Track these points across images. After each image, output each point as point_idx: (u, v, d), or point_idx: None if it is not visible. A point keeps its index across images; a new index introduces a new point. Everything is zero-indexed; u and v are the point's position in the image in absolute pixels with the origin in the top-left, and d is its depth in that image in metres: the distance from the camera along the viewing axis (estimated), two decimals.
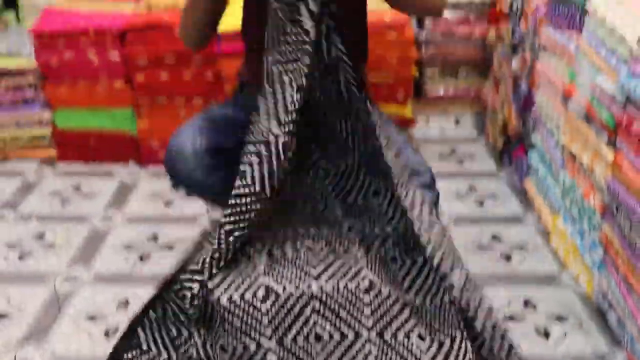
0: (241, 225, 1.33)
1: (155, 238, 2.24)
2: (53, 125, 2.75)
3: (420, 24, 3.09)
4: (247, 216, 1.32)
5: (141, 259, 2.11)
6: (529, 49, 2.39)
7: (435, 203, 1.56)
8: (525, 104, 2.45)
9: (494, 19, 2.88)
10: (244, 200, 1.30)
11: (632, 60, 1.62)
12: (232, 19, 2.53)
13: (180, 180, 1.54)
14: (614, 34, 1.73)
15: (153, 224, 2.32)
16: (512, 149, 2.67)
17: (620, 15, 1.74)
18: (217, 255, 1.35)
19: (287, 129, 1.27)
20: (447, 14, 3.04)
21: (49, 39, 2.59)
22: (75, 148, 2.77)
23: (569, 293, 1.94)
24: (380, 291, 1.37)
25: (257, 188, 1.29)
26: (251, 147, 1.33)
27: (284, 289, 1.36)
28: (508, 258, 2.11)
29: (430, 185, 1.57)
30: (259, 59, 1.71)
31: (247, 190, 1.30)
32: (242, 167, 1.30)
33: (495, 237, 2.23)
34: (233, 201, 1.31)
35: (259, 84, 1.75)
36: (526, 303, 1.89)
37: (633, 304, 1.63)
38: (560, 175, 2.10)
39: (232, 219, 1.32)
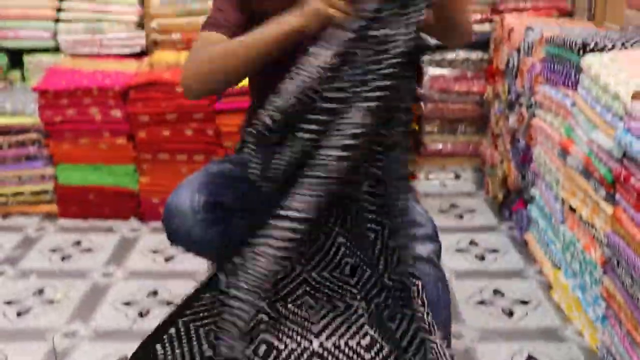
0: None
1: (155, 293, 2.23)
2: (55, 181, 2.77)
3: (419, 81, 3.14)
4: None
5: (141, 315, 2.09)
6: (526, 105, 2.43)
7: (437, 255, 1.56)
8: (524, 159, 2.48)
9: (490, 76, 2.94)
10: None
11: (627, 117, 1.65)
12: None
13: (179, 237, 1.54)
14: (608, 90, 1.76)
15: (153, 280, 2.31)
16: (511, 202, 2.68)
17: (613, 73, 1.78)
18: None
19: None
20: (445, 71, 3.10)
21: (53, 96, 2.63)
22: (77, 204, 2.78)
23: (572, 347, 1.92)
24: (381, 348, 1.37)
25: None
26: None
27: (285, 345, 1.36)
28: (510, 313, 2.10)
29: (432, 237, 1.58)
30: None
31: None
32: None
33: (497, 292, 2.22)
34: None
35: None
36: (530, 358, 1.87)
37: (637, 358, 1.61)
38: (561, 229, 2.10)
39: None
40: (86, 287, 2.27)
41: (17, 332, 2.02)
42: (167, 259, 2.46)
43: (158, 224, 2.70)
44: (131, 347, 1.92)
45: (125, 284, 2.28)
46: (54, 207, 2.81)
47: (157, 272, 2.38)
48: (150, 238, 2.63)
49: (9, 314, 2.11)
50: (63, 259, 2.47)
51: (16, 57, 3.09)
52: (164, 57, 2.82)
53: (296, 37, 1.33)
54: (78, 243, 2.60)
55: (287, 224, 1.24)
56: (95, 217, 2.80)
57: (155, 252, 2.52)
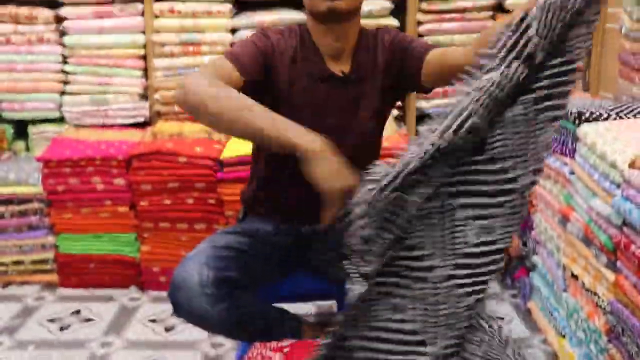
0: None
1: None
2: (56, 250, 2.77)
3: None
4: None
5: None
6: None
7: None
8: (525, 226, 2.48)
9: None
10: None
11: (625, 184, 1.66)
12: (233, 146, 2.63)
13: (184, 310, 1.53)
14: (605, 159, 1.78)
15: (153, 350, 2.28)
16: (513, 270, 2.67)
17: (609, 142, 1.81)
18: None
19: None
20: None
21: (56, 166, 2.66)
22: (77, 273, 2.77)
23: None
24: None
25: None
26: None
27: None
28: None
29: None
30: (268, 183, 1.74)
31: None
32: None
33: None
34: None
35: (262, 212, 1.77)
36: None
37: None
38: (563, 296, 2.09)
39: None
40: (84, 357, 2.24)
41: None
42: (168, 329, 2.43)
43: (158, 293, 2.70)
44: None
45: (125, 354, 2.25)
46: (54, 277, 2.79)
47: (156, 342, 2.35)
48: (151, 307, 2.60)
49: None
50: (61, 329, 2.45)
51: (21, 128, 3.14)
52: (166, 127, 2.87)
53: (289, 154, 1.31)
54: (77, 312, 2.57)
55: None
56: (96, 286, 2.78)
57: (155, 321, 2.49)
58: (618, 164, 1.71)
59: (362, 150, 1.59)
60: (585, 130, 1.93)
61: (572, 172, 2.04)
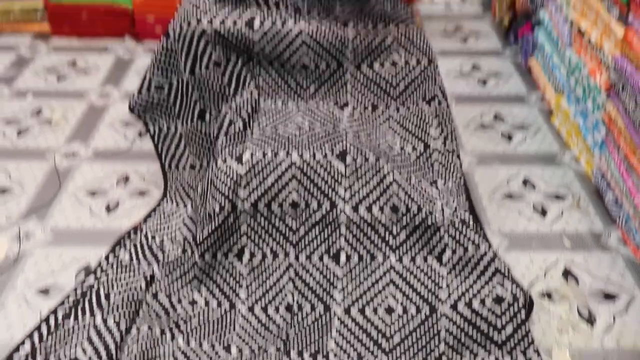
0: None
1: None
2: None
3: None
4: None
5: (140, 135, 2.09)
6: None
7: None
8: None
9: None
10: None
11: None
12: None
13: None
14: None
15: None
16: (518, 26, 2.60)
17: None
18: None
19: None
20: None
21: None
22: (69, 22, 2.69)
23: (568, 173, 1.94)
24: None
25: None
26: None
27: (264, 154, 1.40)
28: (509, 137, 2.10)
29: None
30: None
31: None
32: None
33: (497, 117, 2.20)
34: None
35: None
36: (525, 182, 1.90)
37: (632, 183, 1.63)
38: (567, 53, 2.05)
39: None
40: (84, 107, 2.25)
41: (17, 152, 2.03)
42: None
43: (153, 43, 2.64)
44: (132, 167, 1.95)
45: (123, 105, 2.26)
46: (45, 26, 2.72)
47: None
48: (146, 58, 2.57)
49: (8, 134, 2.11)
50: (59, 79, 2.43)
51: None
52: None
53: None
54: (73, 63, 2.54)
55: None
56: (89, 35, 2.72)
57: None
58: None
59: None
60: None
61: None
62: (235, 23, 1.50)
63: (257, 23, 1.51)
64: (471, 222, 1.47)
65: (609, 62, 1.77)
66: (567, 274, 1.59)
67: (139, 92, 1.69)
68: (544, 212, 1.79)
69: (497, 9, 2.84)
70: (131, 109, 1.72)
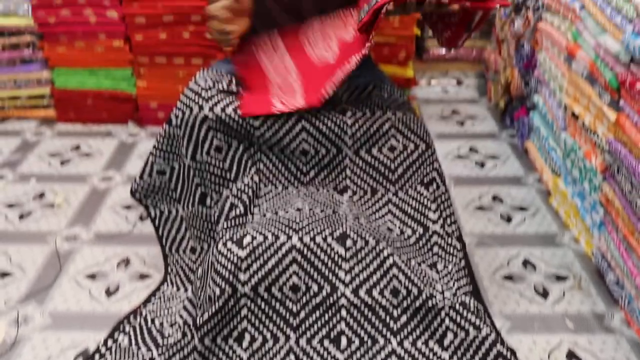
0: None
1: None
2: (52, 85, 2.73)
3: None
4: None
5: (141, 218, 2.11)
6: (533, 8, 2.36)
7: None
8: (528, 65, 2.43)
9: None
10: None
11: (637, 19, 1.60)
12: None
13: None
14: None
15: None
16: (514, 110, 2.66)
17: None
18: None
19: None
20: None
21: None
22: (74, 108, 2.76)
23: (568, 253, 1.95)
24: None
25: None
26: None
27: (265, 238, 1.41)
28: (508, 219, 2.11)
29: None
30: (262, 18, 1.72)
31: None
32: None
33: (495, 198, 2.23)
34: None
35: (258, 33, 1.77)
36: (525, 263, 1.90)
37: (632, 264, 1.63)
38: (562, 136, 2.09)
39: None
40: (86, 191, 2.28)
41: (19, 235, 2.04)
42: None
43: (156, 128, 2.70)
44: (132, 251, 1.95)
45: (125, 188, 2.28)
46: (51, 112, 2.78)
47: None
48: (149, 142, 2.61)
49: (10, 217, 2.12)
50: (62, 163, 2.47)
51: None
52: None
53: None
54: (77, 147, 2.59)
55: None
56: (93, 121, 2.78)
57: None
58: None
59: None
60: None
61: (582, 7, 1.96)
62: (236, 110, 1.54)
63: None
64: (472, 305, 1.46)
65: (603, 144, 1.80)
66: (571, 356, 1.57)
67: (141, 176, 1.72)
68: (545, 294, 1.78)
69: (492, 93, 2.91)
70: (133, 194, 1.75)
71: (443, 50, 3.13)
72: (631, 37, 1.60)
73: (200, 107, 1.55)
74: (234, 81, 1.62)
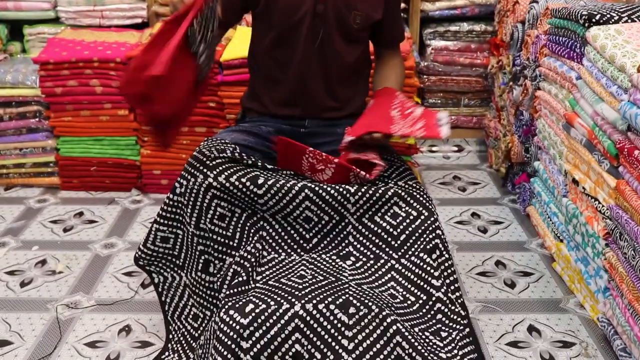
0: None
1: None
2: (56, 153, 2.76)
3: (422, 52, 3.12)
4: None
5: (143, 285, 2.10)
6: (530, 77, 2.41)
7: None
8: (527, 132, 2.46)
9: (494, 48, 2.91)
10: None
11: (633, 89, 1.63)
12: (234, 49, 2.57)
13: None
14: (614, 62, 1.74)
15: None
16: (515, 175, 2.67)
17: (619, 45, 1.76)
18: None
19: None
20: (449, 43, 3.08)
21: (54, 68, 2.61)
22: (79, 176, 2.78)
23: (574, 319, 1.93)
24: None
25: None
26: None
27: (268, 305, 1.41)
28: (512, 284, 2.10)
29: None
30: (263, 84, 1.78)
31: None
32: None
33: (499, 264, 2.22)
34: None
35: (261, 110, 1.82)
36: (531, 329, 1.88)
37: (639, 329, 1.62)
38: (563, 201, 2.10)
39: None
40: (88, 258, 2.28)
41: (20, 302, 2.03)
42: None
43: (159, 195, 2.71)
44: (135, 317, 1.94)
45: (127, 255, 2.28)
46: (55, 179, 2.80)
47: None
48: (152, 209, 2.63)
49: (11, 285, 2.12)
50: (65, 230, 2.48)
51: (16, 29, 3.07)
52: None
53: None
54: (80, 214, 2.60)
55: None
56: (97, 189, 2.80)
57: None
58: (627, 68, 1.67)
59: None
60: (595, 32, 1.88)
61: (578, 77, 2.00)
62: (239, 179, 1.56)
63: (261, 180, 1.57)
64: None
65: (604, 210, 1.81)
66: None
67: (145, 244, 1.72)
68: None
69: (493, 159, 2.94)
70: (137, 261, 1.75)
71: None
72: (627, 106, 1.63)
73: (205, 176, 1.57)
74: (237, 149, 1.65)
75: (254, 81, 1.85)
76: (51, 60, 2.60)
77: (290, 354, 1.42)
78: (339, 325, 1.44)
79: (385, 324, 1.44)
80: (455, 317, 1.55)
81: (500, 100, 2.82)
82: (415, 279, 1.56)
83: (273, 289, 1.48)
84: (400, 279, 1.57)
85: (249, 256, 1.57)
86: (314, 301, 1.44)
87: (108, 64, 2.61)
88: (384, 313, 1.45)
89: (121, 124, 2.69)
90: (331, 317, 1.44)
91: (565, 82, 2.10)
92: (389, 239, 1.59)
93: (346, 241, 1.61)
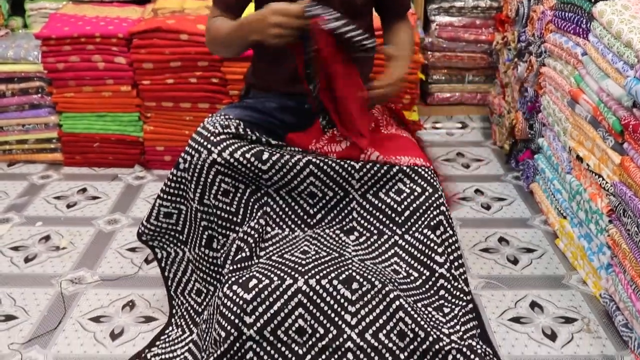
0: None
1: None
2: (59, 129, 2.76)
3: (427, 29, 3.09)
4: None
5: (147, 261, 2.10)
6: (535, 53, 2.39)
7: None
8: (532, 108, 2.45)
9: (500, 24, 2.88)
10: None
11: (639, 64, 1.62)
12: None
13: None
14: (621, 38, 1.73)
15: None
16: (518, 152, 2.67)
17: (626, 20, 1.74)
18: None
19: None
20: (453, 19, 3.05)
21: (56, 43, 2.60)
22: (81, 152, 2.78)
23: (576, 295, 1.93)
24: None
25: None
26: None
27: (271, 281, 1.41)
28: (515, 261, 2.10)
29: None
30: (268, 63, 1.76)
31: None
32: None
33: (502, 240, 2.22)
34: None
35: (265, 87, 1.81)
36: (533, 305, 1.89)
37: None
38: (567, 178, 2.09)
39: None
40: (92, 234, 2.28)
41: (24, 277, 2.04)
42: None
43: (162, 171, 2.71)
44: (138, 293, 1.95)
45: (131, 231, 2.29)
46: (58, 156, 2.80)
47: None
48: (155, 185, 2.63)
49: (16, 260, 2.12)
50: (68, 206, 2.48)
51: (17, 4, 3.05)
52: (167, 3, 2.78)
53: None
54: (83, 190, 2.60)
55: None
56: (100, 165, 2.80)
57: None
58: (633, 44, 1.66)
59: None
60: (602, 8, 1.86)
61: (584, 53, 1.99)
62: (244, 154, 1.55)
63: (266, 155, 1.56)
64: (479, 348, 1.45)
65: (608, 187, 1.80)
66: None
67: (148, 219, 1.72)
68: (553, 336, 1.76)
69: (497, 136, 2.93)
70: (139, 236, 1.75)
71: (447, 95, 3.16)
72: (633, 82, 1.62)
73: (209, 152, 1.56)
74: (242, 125, 1.64)
75: (258, 59, 1.84)
76: (53, 36, 2.59)
77: (294, 329, 1.43)
78: (342, 300, 1.44)
79: (388, 299, 1.44)
80: (458, 293, 1.55)
81: (505, 77, 2.80)
82: (419, 255, 1.56)
83: (276, 265, 1.48)
84: (403, 254, 1.57)
85: (252, 232, 1.57)
86: (317, 277, 1.44)
87: (110, 40, 2.59)
88: (387, 288, 1.45)
89: (124, 100, 2.68)
90: (334, 293, 1.44)
91: (571, 58, 2.08)
92: (393, 215, 1.59)
93: (350, 216, 1.61)
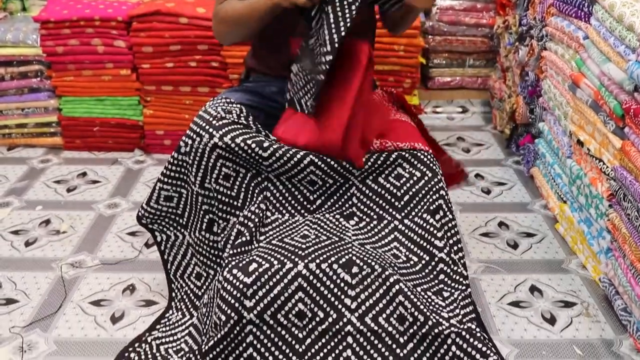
0: None
1: None
2: (59, 113, 2.75)
3: (427, 13, 3.07)
4: None
5: (147, 245, 2.11)
6: (537, 37, 2.38)
7: None
8: (533, 92, 2.44)
9: (501, 7, 2.87)
10: None
11: None
12: None
13: None
14: (623, 21, 1.72)
15: None
16: (519, 137, 2.66)
17: (629, 3, 1.73)
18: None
19: None
20: (454, 2, 3.03)
21: (55, 27, 2.58)
22: (81, 136, 2.77)
23: (575, 279, 1.94)
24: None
25: None
26: None
27: (271, 265, 1.40)
28: (515, 245, 2.11)
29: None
30: (267, 47, 1.75)
31: None
32: None
33: (502, 224, 2.22)
34: None
35: (266, 71, 1.81)
36: (532, 289, 1.89)
37: None
38: (567, 162, 2.09)
39: None
40: (92, 218, 2.28)
41: (25, 261, 2.04)
42: None
43: (162, 155, 2.71)
44: (138, 277, 1.95)
45: (131, 215, 2.29)
46: (58, 140, 2.80)
47: None
48: (155, 170, 2.63)
49: (16, 244, 2.13)
50: (68, 190, 2.48)
51: None
52: None
53: (277, 9, 1.56)
54: (83, 174, 2.60)
55: None
56: (100, 149, 2.79)
57: None
58: (635, 27, 1.65)
59: None
60: None
61: (586, 37, 1.98)
62: (245, 140, 1.55)
63: (267, 143, 1.56)
64: (478, 333, 1.45)
65: (608, 171, 1.80)
66: None
67: (148, 203, 1.72)
68: (553, 320, 1.77)
69: (497, 120, 2.92)
70: (139, 220, 1.75)
71: (448, 79, 3.15)
72: (635, 66, 1.61)
73: (211, 136, 1.56)
74: (244, 111, 1.63)
75: (258, 43, 1.83)
76: (52, 19, 2.58)
77: (294, 312, 1.43)
78: (342, 284, 1.45)
79: (388, 283, 1.44)
80: (457, 277, 1.55)
81: (506, 61, 2.79)
82: (418, 239, 1.57)
83: (276, 249, 1.49)
84: (403, 239, 1.57)
85: (252, 216, 1.57)
86: (317, 260, 1.45)
87: (109, 23, 2.58)
88: (386, 272, 1.45)
89: (123, 83, 2.68)
90: (334, 277, 1.44)
91: (572, 42, 2.07)
92: (393, 200, 1.59)
93: (350, 202, 1.61)
